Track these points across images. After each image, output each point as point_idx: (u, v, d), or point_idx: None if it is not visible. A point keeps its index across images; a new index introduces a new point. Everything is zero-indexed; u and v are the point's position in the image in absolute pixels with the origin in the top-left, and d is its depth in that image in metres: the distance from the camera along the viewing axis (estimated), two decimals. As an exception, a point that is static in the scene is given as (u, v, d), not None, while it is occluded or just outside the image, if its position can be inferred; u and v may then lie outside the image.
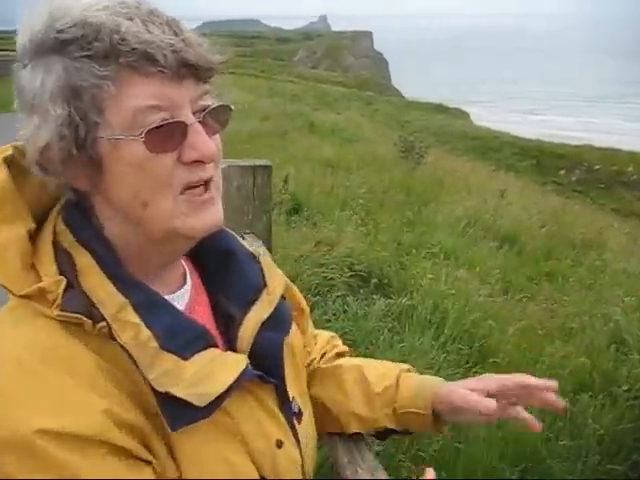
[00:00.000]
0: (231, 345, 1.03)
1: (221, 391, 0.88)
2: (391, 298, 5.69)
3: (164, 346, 0.86)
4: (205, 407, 0.87)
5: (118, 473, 0.80)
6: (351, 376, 1.30)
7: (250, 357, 1.00)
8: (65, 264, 0.88)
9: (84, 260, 0.89)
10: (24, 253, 0.87)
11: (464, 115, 42.69)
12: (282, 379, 1.07)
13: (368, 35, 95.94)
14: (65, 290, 0.85)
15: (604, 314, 5.96)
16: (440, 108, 41.08)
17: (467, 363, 4.77)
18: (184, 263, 1.08)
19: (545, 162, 26.33)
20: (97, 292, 0.86)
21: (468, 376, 4.40)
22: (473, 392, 1.19)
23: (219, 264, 1.09)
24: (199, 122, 0.89)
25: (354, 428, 1.31)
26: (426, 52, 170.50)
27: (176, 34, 0.85)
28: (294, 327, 1.18)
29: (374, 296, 5.68)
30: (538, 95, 71.76)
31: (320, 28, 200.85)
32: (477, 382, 1.24)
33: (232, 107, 0.96)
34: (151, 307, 0.89)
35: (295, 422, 1.09)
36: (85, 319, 0.84)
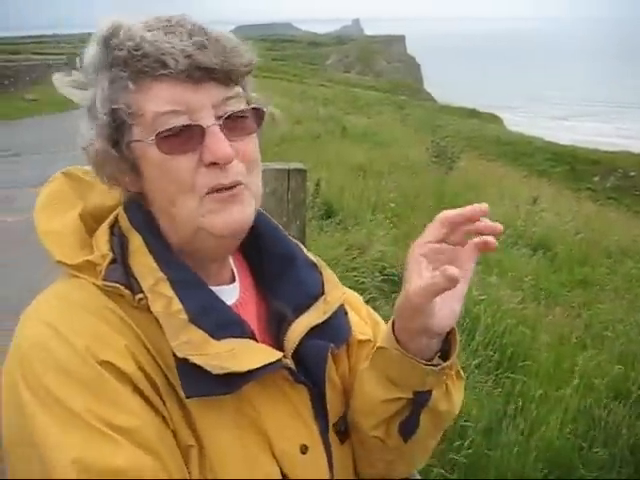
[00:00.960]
0: (278, 347, 1.01)
1: (241, 370, 0.89)
2: (422, 303, 5.66)
3: (194, 321, 0.90)
4: (222, 382, 0.88)
5: (132, 402, 0.84)
6: None
7: (296, 362, 1.01)
8: (118, 244, 0.95)
9: (136, 242, 0.96)
10: (78, 233, 0.98)
11: (497, 120, 42.33)
12: (322, 386, 1.04)
13: (401, 39, 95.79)
14: (110, 264, 0.93)
15: (638, 322, 5.87)
16: (473, 113, 40.81)
17: (498, 369, 4.74)
18: (237, 264, 1.10)
19: (579, 168, 25.98)
20: (140, 268, 0.93)
21: (499, 383, 4.39)
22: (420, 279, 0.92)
23: (278, 268, 1.09)
24: (220, 125, 0.90)
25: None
26: (459, 56, 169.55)
27: (194, 40, 0.88)
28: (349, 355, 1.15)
29: (405, 301, 5.65)
30: (573, 101, 70.86)
31: (353, 32, 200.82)
32: (413, 269, 0.94)
33: (265, 109, 0.98)
34: (187, 285, 0.93)
35: (336, 439, 1.07)
36: (123, 289, 0.91)
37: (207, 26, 0.92)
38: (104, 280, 0.91)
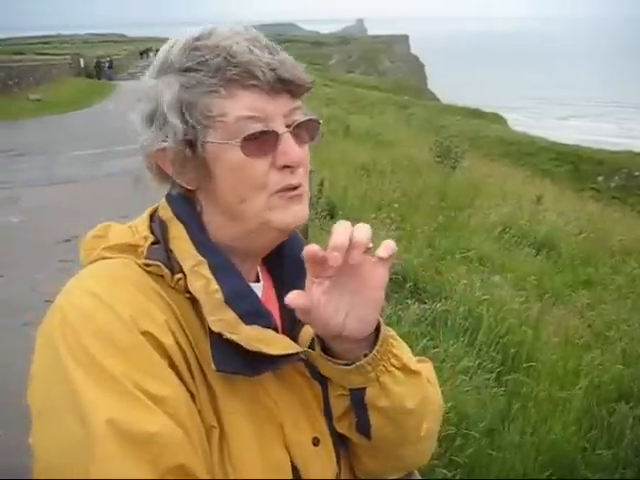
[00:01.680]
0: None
1: (271, 352, 0.95)
2: (425, 303, 5.68)
3: (229, 302, 0.96)
4: (250, 364, 0.94)
5: (165, 371, 0.88)
6: None
7: (306, 362, 1.06)
8: (158, 231, 1.02)
9: (177, 230, 1.02)
10: (126, 226, 1.06)
11: (501, 120, 42.32)
12: (326, 384, 1.08)
13: (404, 39, 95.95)
14: (151, 245, 1.00)
15: (643, 323, 5.87)
16: (476, 113, 40.78)
17: (501, 369, 4.74)
18: (259, 269, 1.15)
19: (583, 168, 25.96)
20: (181, 251, 1.00)
21: (502, 383, 4.38)
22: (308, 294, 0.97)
23: (294, 271, 1.11)
24: (291, 132, 1.00)
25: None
26: (463, 56, 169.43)
27: (273, 55, 0.99)
28: None
29: (408, 301, 5.67)
30: (577, 101, 70.81)
31: (356, 32, 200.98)
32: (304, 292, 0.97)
33: (320, 121, 1.07)
34: (225, 270, 0.99)
35: (336, 431, 1.10)
36: (164, 268, 0.97)
37: (273, 44, 1.03)
38: (146, 258, 0.98)
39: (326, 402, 1.08)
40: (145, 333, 0.88)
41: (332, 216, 8.03)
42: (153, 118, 1.00)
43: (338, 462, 1.08)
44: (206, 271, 0.97)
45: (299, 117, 1.02)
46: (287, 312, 1.09)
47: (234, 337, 0.93)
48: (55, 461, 0.82)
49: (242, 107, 0.97)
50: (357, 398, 1.05)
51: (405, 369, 1.07)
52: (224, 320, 0.94)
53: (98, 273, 0.97)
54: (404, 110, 35.17)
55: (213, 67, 0.96)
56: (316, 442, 1.04)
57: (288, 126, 1.00)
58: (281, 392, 1.02)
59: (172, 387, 0.88)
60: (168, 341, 0.91)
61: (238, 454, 0.93)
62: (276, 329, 1.02)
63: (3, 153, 14.48)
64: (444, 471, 3.43)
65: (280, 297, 1.13)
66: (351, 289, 0.98)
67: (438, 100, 54.50)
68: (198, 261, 0.98)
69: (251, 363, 0.94)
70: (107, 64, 46.02)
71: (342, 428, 1.10)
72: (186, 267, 0.98)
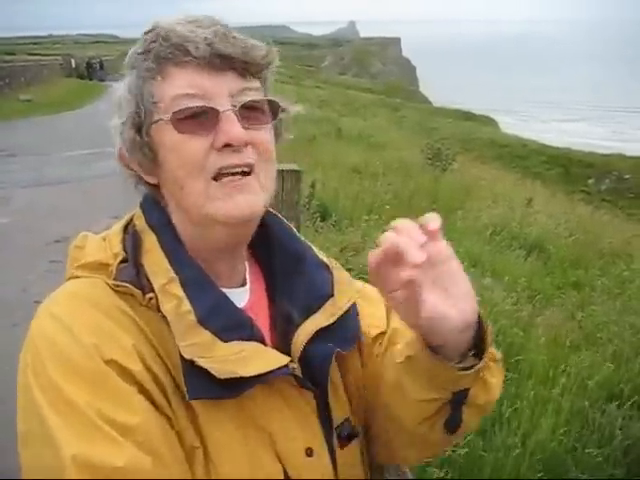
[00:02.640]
0: (286, 350, 1.01)
1: (246, 375, 0.89)
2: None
3: (203, 322, 0.91)
4: (227, 386, 0.88)
5: (137, 402, 0.85)
6: None
7: (302, 365, 1.01)
8: (131, 244, 0.98)
9: (150, 241, 0.98)
10: (101, 237, 1.02)
11: (492, 122, 42.45)
12: (325, 391, 1.03)
13: (396, 41, 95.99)
14: (121, 263, 0.95)
15: (632, 324, 5.89)
16: (468, 115, 40.91)
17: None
18: (250, 267, 1.10)
19: (573, 171, 26.07)
20: (152, 267, 0.95)
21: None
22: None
23: (287, 268, 1.09)
24: (235, 112, 0.93)
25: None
26: (454, 59, 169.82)
27: (216, 30, 0.93)
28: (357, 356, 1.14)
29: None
30: (568, 104, 71.05)
31: (348, 34, 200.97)
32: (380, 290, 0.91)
33: (281, 103, 1.01)
34: (198, 285, 0.94)
35: (336, 444, 1.05)
36: (134, 289, 0.93)
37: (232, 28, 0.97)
38: (114, 280, 0.93)
39: (322, 411, 1.03)
40: (109, 362, 0.85)
41: (324, 218, 8.03)
42: (118, 109, 0.99)
43: (335, 472, 1.03)
44: (177, 289, 0.92)
45: (252, 98, 0.96)
46: (279, 312, 1.06)
47: (206, 364, 0.87)
48: None
49: (178, 85, 0.93)
50: (459, 399, 0.98)
51: (497, 360, 1.02)
52: (196, 344, 0.89)
53: (67, 295, 0.94)
54: (396, 112, 35.22)
55: (152, 53, 0.95)
56: (309, 452, 0.98)
57: (235, 106, 0.94)
58: (270, 402, 0.97)
59: (141, 414, 0.84)
60: (136, 367, 0.86)
61: (226, 471, 0.90)
62: (261, 338, 0.97)
63: (-6, 154, 14.40)
64: (436, 471, 3.44)
65: (272, 294, 1.09)
66: (434, 280, 0.87)
67: (430, 103, 54.61)
68: (169, 278, 0.93)
69: (229, 384, 0.89)
70: (98, 65, 45.85)
71: (420, 429, 1.03)
72: (157, 286, 0.93)
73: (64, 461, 0.78)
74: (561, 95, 78.72)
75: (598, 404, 4.44)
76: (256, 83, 0.98)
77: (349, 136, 18.05)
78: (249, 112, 0.95)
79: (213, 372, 0.87)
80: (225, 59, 0.93)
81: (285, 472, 0.95)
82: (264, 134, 0.98)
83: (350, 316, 1.09)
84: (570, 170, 26.15)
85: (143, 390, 0.86)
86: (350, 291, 1.12)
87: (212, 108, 0.92)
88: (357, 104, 34.04)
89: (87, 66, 45.03)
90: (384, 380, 1.08)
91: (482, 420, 3.61)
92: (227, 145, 0.92)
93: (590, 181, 24.49)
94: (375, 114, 30.74)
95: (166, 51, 0.93)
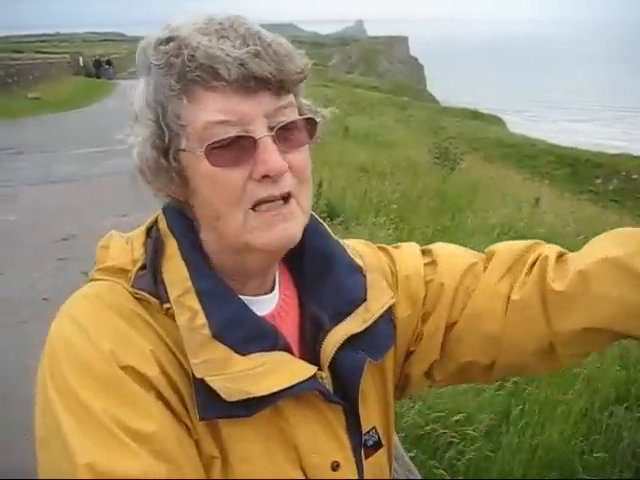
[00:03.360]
0: (315, 358, 0.98)
1: (261, 393, 0.85)
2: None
3: (218, 337, 0.87)
4: (242, 405, 0.85)
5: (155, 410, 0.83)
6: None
7: (332, 373, 0.98)
8: (152, 248, 0.94)
9: (172, 246, 0.94)
10: (124, 239, 0.99)
11: (499, 122, 42.36)
12: (355, 402, 0.99)
13: (404, 40, 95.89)
14: (140, 269, 0.92)
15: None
16: (475, 114, 40.83)
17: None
18: (279, 270, 1.05)
19: (581, 171, 25.99)
20: (171, 275, 0.91)
21: (501, 385, 4.36)
22: None
23: (317, 270, 1.04)
24: (272, 137, 0.87)
25: None
26: (462, 58, 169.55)
27: (249, 47, 0.85)
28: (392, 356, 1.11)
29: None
30: (577, 104, 70.82)
31: (356, 33, 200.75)
32: None
33: (318, 120, 0.95)
34: (215, 296, 0.90)
35: (363, 455, 1.01)
36: (151, 297, 0.90)
37: (261, 30, 0.89)
38: (132, 287, 0.90)
39: (350, 421, 0.99)
40: (126, 367, 0.82)
41: (331, 218, 8.02)
42: (137, 119, 0.92)
43: None
44: (193, 301, 0.89)
45: (288, 116, 0.89)
46: (308, 317, 1.02)
47: (216, 383, 0.84)
48: None
49: (210, 111, 0.85)
50: None
51: None
52: (209, 360, 0.86)
53: (86, 297, 0.91)
54: (403, 111, 35.18)
55: (176, 69, 0.86)
56: (335, 467, 0.95)
57: (272, 128, 0.87)
58: (299, 414, 0.93)
59: (158, 421, 0.81)
60: (153, 372, 0.84)
61: None
62: (287, 346, 0.94)
63: (2, 151, 14.45)
64: (443, 472, 3.42)
65: (301, 300, 1.05)
66: None
67: (437, 102, 54.53)
68: (185, 289, 0.89)
69: (243, 403, 0.85)
70: (106, 63, 45.87)
71: None
72: (172, 297, 0.89)
73: (77, 469, 0.76)
74: (569, 95, 78.47)
75: (606, 406, 4.41)
76: (290, 98, 0.91)
77: (356, 135, 18.04)
78: (286, 133, 0.89)
79: (222, 394, 0.84)
80: (259, 80, 0.85)
81: None
82: (301, 155, 0.92)
83: (383, 322, 1.05)
84: (578, 170, 26.07)
85: (160, 396, 0.84)
86: (384, 296, 1.07)
87: (248, 136, 0.86)
88: (364, 103, 34.00)
89: (95, 64, 45.10)
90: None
91: (489, 420, 3.59)
92: (266, 176, 0.86)
93: (598, 181, 24.41)
94: (382, 113, 30.70)
95: (193, 73, 0.84)
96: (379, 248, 1.21)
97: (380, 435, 1.06)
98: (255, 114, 0.86)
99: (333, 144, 14.55)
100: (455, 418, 3.86)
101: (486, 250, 1.20)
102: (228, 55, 0.83)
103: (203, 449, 0.86)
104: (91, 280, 0.95)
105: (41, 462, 0.83)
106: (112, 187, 9.66)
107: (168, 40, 0.87)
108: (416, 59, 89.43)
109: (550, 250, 1.12)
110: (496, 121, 41.68)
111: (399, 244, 1.24)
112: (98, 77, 42.59)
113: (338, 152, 13.42)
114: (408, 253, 1.19)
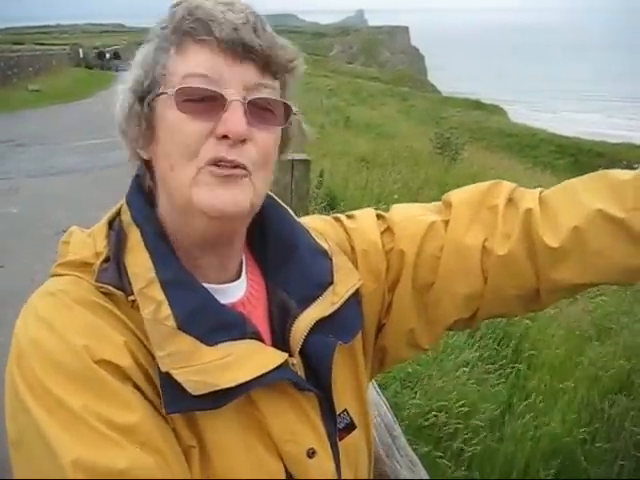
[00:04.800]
0: (285, 344, 0.97)
1: (229, 385, 0.84)
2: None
3: (183, 327, 0.86)
4: (210, 397, 0.84)
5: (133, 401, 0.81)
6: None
7: (303, 358, 0.97)
8: (115, 241, 0.92)
9: (134, 237, 0.93)
10: (86, 234, 0.97)
11: (501, 112, 42.24)
12: (328, 388, 0.99)
13: (405, 30, 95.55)
14: (103, 262, 0.90)
15: (643, 315, 5.86)
16: (477, 104, 40.73)
17: (502, 362, 4.73)
18: (245, 256, 1.04)
19: (583, 160, 25.95)
20: (134, 267, 0.90)
21: (504, 375, 4.39)
22: None
23: (281, 255, 1.03)
24: (243, 104, 0.88)
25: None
26: (463, 47, 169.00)
27: (246, 18, 0.88)
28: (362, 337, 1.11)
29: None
30: (577, 93, 70.61)
31: (357, 23, 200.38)
32: None
33: (294, 108, 0.95)
34: (179, 286, 0.89)
35: (337, 437, 1.01)
36: (115, 290, 0.88)
37: (265, 20, 0.92)
38: (96, 281, 0.88)
39: (324, 407, 0.98)
40: (100, 362, 0.80)
41: (332, 207, 8.01)
42: (130, 70, 0.95)
43: (338, 474, 0.99)
44: (157, 292, 0.87)
45: (265, 96, 0.90)
46: (275, 303, 1.01)
47: (181, 377, 0.82)
48: None
49: (193, 64, 0.88)
50: None
51: None
52: (175, 353, 0.84)
53: (51, 294, 0.88)
54: (404, 102, 35.10)
55: (174, 23, 0.90)
56: (311, 454, 0.94)
57: (245, 99, 0.88)
58: (271, 403, 0.91)
59: (139, 412, 0.80)
60: (126, 363, 0.82)
61: (225, 471, 0.86)
62: (256, 334, 0.93)
63: (2, 144, 14.43)
64: (448, 463, 3.43)
65: (268, 286, 1.04)
66: None
67: (438, 92, 54.37)
68: (149, 280, 0.88)
69: (210, 396, 0.83)
70: (111, 54, 45.25)
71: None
72: (136, 288, 0.87)
73: (63, 467, 0.75)
74: (569, 85, 78.20)
75: (608, 396, 4.42)
76: (275, 83, 0.92)
77: (358, 125, 18.01)
78: (259, 110, 0.89)
79: (187, 388, 0.82)
80: (247, 49, 0.87)
81: (287, 474, 0.92)
82: (268, 136, 0.92)
83: (351, 304, 1.04)
84: (580, 159, 26.04)
85: (137, 387, 0.83)
86: (352, 278, 1.07)
87: (221, 95, 0.87)
88: (365, 93, 33.93)
89: (98, 56, 44.53)
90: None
91: (492, 411, 3.60)
92: (226, 136, 0.87)
93: (599, 170, 24.36)
94: (383, 103, 30.65)
95: (188, 25, 0.87)
96: (335, 219, 1.20)
97: (352, 417, 1.05)
98: (234, 80, 0.88)
99: (334, 134, 14.54)
100: (458, 409, 3.86)
101: (443, 199, 1.17)
102: (225, 18, 0.87)
103: (181, 439, 0.85)
104: (52, 276, 0.93)
105: (18, 466, 0.81)
106: (113, 179, 9.64)
107: (177, 4, 0.91)
108: (417, 49, 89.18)
109: (526, 199, 1.08)
110: (497, 111, 41.56)
111: (354, 212, 1.22)
112: (102, 68, 41.90)
113: (339, 142, 13.40)
114: (364, 224, 1.17)
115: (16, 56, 29.04)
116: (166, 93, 0.88)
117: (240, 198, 0.88)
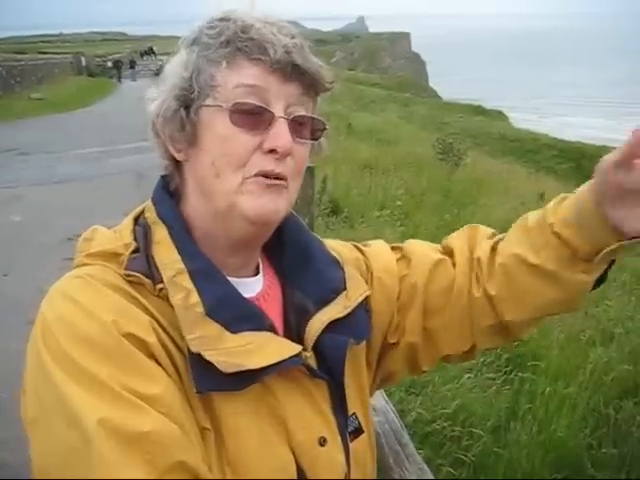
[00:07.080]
0: (299, 341, 1.02)
1: (253, 367, 0.90)
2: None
3: (211, 314, 0.91)
4: (234, 378, 0.89)
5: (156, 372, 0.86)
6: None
7: (316, 355, 1.03)
8: (142, 236, 0.98)
9: (160, 233, 0.98)
10: (112, 230, 1.02)
11: (503, 117, 42.26)
12: (340, 382, 1.05)
13: (406, 36, 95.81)
14: (132, 253, 0.95)
15: (648, 319, 5.84)
16: (478, 109, 40.76)
17: (507, 367, 4.72)
18: (262, 258, 1.11)
19: (585, 165, 25.88)
20: (162, 258, 0.95)
21: (508, 381, 4.36)
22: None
23: (298, 260, 1.11)
24: (288, 120, 0.95)
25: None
26: (464, 53, 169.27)
27: (295, 41, 0.95)
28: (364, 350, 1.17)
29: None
30: (579, 99, 70.65)
31: (358, 29, 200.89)
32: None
33: (327, 125, 1.03)
34: (206, 277, 0.95)
35: (349, 439, 1.06)
36: (145, 278, 0.93)
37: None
38: (126, 269, 0.93)
39: (335, 400, 1.04)
40: (127, 335, 0.85)
41: (336, 213, 8.01)
42: (164, 80, 0.99)
43: (348, 462, 1.03)
44: (186, 281, 0.93)
45: (303, 112, 0.98)
46: (292, 302, 1.08)
47: (212, 357, 0.88)
48: (53, 468, 0.80)
49: (244, 76, 0.93)
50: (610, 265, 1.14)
51: None
52: (204, 336, 0.89)
53: (79, 278, 0.92)
54: (406, 107, 35.13)
55: (226, 37, 0.94)
56: (323, 442, 0.99)
57: (289, 115, 0.96)
58: (286, 391, 0.97)
59: (162, 384, 0.84)
60: (151, 340, 0.87)
61: (237, 456, 0.90)
62: (272, 327, 0.98)
63: (6, 152, 14.47)
64: (450, 470, 3.41)
65: (284, 286, 1.10)
66: None
67: (440, 97, 54.43)
68: (178, 270, 0.94)
69: (237, 377, 0.89)
70: (129, 64, 44.60)
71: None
72: (166, 278, 0.93)
73: (89, 428, 0.77)
74: (571, 90, 78.22)
75: (614, 401, 4.40)
76: (311, 102, 1.00)
77: (360, 131, 18.03)
78: (298, 126, 0.97)
79: (218, 366, 0.88)
80: (296, 69, 0.94)
81: (297, 460, 0.95)
82: (304, 149, 1.00)
83: (361, 312, 1.12)
84: (582, 164, 25.99)
85: (159, 363, 0.87)
86: (361, 287, 1.15)
87: (269, 111, 0.94)
88: (367, 99, 34.00)
89: (114, 66, 43.87)
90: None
91: (496, 417, 3.58)
92: (273, 151, 0.94)
93: (602, 175, 24.34)
94: (385, 109, 30.69)
95: (243, 43, 0.93)
96: (350, 244, 1.29)
97: (361, 422, 1.11)
98: (281, 96, 0.95)
99: (337, 141, 14.54)
100: (463, 416, 3.85)
101: (443, 244, 1.30)
102: (278, 39, 0.93)
103: (197, 420, 0.89)
104: (77, 266, 0.96)
105: (36, 444, 0.82)
106: (116, 186, 9.67)
107: (223, 19, 0.97)
108: (418, 55, 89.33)
109: (481, 247, 1.22)
110: (499, 116, 41.59)
111: (368, 242, 1.32)
112: (119, 79, 41.16)
113: (342, 149, 13.40)
114: (379, 250, 1.28)
115: (19, 65, 29.20)
116: (220, 106, 0.94)
117: (280, 206, 0.97)
